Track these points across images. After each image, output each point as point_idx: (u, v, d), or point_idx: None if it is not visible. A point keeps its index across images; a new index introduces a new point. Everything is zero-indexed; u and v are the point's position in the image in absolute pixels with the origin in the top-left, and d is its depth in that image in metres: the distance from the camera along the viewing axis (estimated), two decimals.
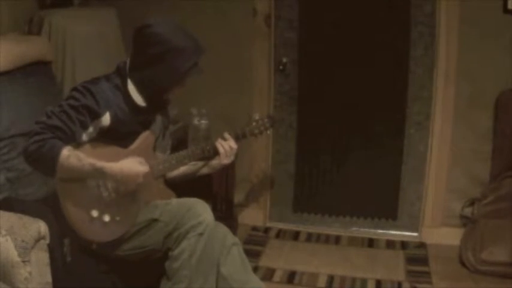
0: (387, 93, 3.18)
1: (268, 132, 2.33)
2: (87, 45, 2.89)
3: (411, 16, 3.04)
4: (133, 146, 2.07)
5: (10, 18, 2.74)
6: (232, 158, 2.21)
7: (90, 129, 1.96)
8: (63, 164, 1.83)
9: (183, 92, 2.16)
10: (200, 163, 2.29)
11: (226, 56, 3.24)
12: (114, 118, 1.98)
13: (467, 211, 3.09)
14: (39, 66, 2.59)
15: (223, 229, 2.18)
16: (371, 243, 3.26)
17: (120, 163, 1.95)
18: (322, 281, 2.81)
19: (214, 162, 2.25)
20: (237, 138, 2.23)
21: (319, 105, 3.29)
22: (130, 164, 1.97)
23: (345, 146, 3.31)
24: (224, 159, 2.19)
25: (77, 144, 1.94)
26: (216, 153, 2.18)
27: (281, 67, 3.27)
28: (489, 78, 2.97)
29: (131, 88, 2.05)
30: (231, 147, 2.17)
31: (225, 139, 2.17)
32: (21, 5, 2.82)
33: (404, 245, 3.22)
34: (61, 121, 1.88)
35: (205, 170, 2.31)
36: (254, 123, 2.27)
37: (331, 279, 2.83)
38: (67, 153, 1.83)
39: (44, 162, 1.83)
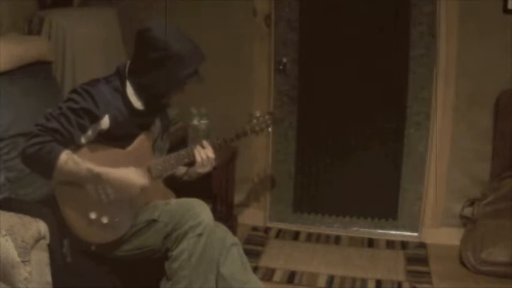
0: (387, 93, 3.18)
1: (270, 129, 2.33)
2: (87, 45, 2.89)
3: (411, 16, 3.04)
4: (130, 148, 2.07)
5: (10, 18, 2.74)
6: (208, 167, 2.17)
7: (89, 132, 1.96)
8: (61, 168, 1.83)
9: (183, 92, 2.16)
10: (183, 169, 2.27)
11: (226, 56, 3.24)
12: (113, 121, 1.98)
13: (467, 211, 3.09)
14: (39, 66, 2.58)
15: (223, 229, 2.18)
16: (371, 243, 3.26)
17: (119, 171, 1.94)
18: (322, 281, 2.81)
19: (191, 170, 2.22)
20: (237, 136, 2.22)
21: (319, 105, 3.29)
22: (130, 175, 1.96)
23: (345, 146, 3.30)
24: (200, 168, 2.15)
25: (75, 147, 1.94)
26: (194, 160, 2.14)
27: (281, 67, 3.27)
28: (489, 78, 2.97)
29: (130, 91, 2.05)
30: (208, 157, 2.14)
31: (203, 147, 2.15)
32: (21, 5, 2.82)
33: (404, 245, 3.22)
34: (60, 124, 1.88)
35: (185, 178, 2.29)
36: (255, 121, 2.27)
37: (331, 279, 2.83)
38: (65, 158, 1.83)
39: (41, 165, 1.84)
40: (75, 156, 1.88)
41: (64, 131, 1.88)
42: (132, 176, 1.97)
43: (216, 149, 2.17)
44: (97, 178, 1.90)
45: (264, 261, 3.02)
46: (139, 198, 2.04)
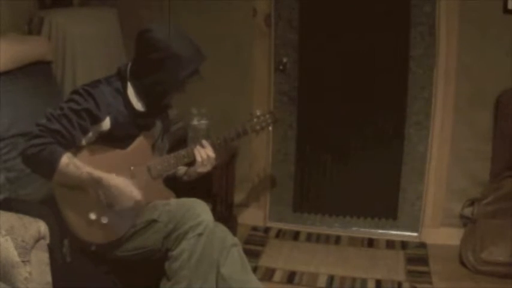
0: (387, 93, 3.18)
1: (270, 128, 2.32)
2: (87, 45, 2.89)
3: (411, 16, 3.04)
4: (130, 148, 2.06)
5: (10, 18, 2.74)
6: (208, 167, 2.17)
7: (90, 133, 1.96)
8: (62, 170, 1.84)
9: (184, 93, 2.16)
10: (183, 169, 2.27)
11: (226, 56, 3.24)
12: (114, 122, 1.98)
13: (467, 211, 3.09)
14: (39, 66, 2.59)
15: (222, 229, 2.17)
16: (371, 243, 3.26)
17: (118, 179, 1.94)
18: (322, 281, 2.81)
19: (191, 169, 2.22)
20: (238, 136, 2.22)
21: (319, 105, 3.29)
22: (126, 185, 1.95)
23: (345, 146, 3.31)
24: (200, 167, 2.15)
25: (76, 148, 1.93)
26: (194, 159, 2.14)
27: (281, 67, 3.27)
28: (489, 78, 2.97)
29: (131, 93, 2.05)
30: (208, 156, 2.13)
31: (203, 146, 2.15)
32: (21, 5, 2.82)
33: (404, 245, 3.22)
34: (61, 125, 1.88)
35: (185, 178, 2.29)
36: (256, 119, 2.26)
37: (331, 279, 2.83)
38: (66, 161, 1.84)
39: (42, 166, 1.84)
40: (76, 160, 1.89)
41: (65, 133, 1.88)
42: (129, 187, 1.96)
43: (216, 149, 2.17)
44: (97, 183, 1.91)
45: (264, 261, 3.02)
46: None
